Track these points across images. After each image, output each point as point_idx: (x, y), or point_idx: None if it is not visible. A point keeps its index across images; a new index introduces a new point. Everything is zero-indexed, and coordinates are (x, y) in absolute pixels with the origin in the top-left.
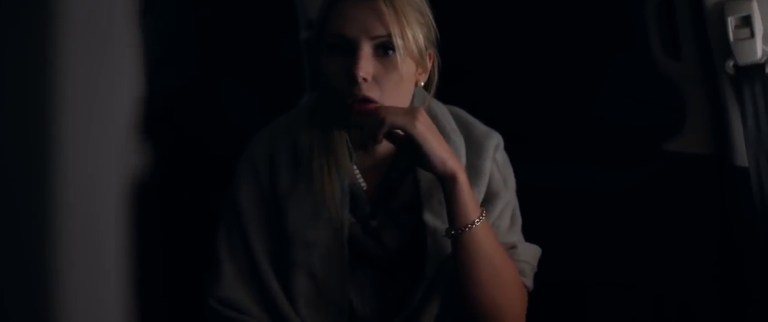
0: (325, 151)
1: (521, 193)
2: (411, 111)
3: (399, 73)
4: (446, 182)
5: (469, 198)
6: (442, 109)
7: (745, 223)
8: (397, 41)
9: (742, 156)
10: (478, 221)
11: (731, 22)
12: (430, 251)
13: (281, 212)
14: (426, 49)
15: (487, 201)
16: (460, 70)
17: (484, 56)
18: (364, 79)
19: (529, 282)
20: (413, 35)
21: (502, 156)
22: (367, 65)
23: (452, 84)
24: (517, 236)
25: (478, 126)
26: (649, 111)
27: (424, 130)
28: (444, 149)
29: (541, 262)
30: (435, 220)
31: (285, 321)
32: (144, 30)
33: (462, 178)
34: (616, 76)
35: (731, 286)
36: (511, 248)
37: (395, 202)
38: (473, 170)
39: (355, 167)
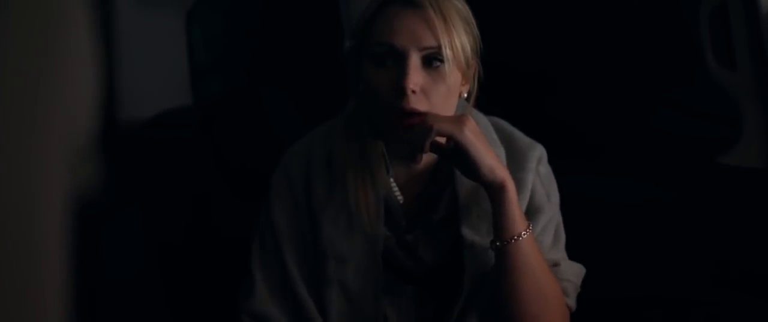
0: (360, 164)
1: (572, 206)
2: (459, 118)
3: (447, 85)
4: (494, 191)
5: (517, 209)
6: (483, 121)
7: None
8: (447, 52)
9: None
10: (525, 234)
11: None
12: (467, 266)
13: (315, 225)
14: (471, 59)
15: (530, 216)
16: (512, 82)
17: (539, 68)
18: (413, 92)
19: (572, 302)
20: (462, 46)
21: (545, 169)
22: (416, 77)
23: (503, 95)
24: (560, 254)
25: (521, 137)
26: (704, 123)
27: (473, 137)
28: (492, 157)
29: (592, 278)
30: (473, 235)
31: None
32: (190, 39)
33: (511, 187)
34: (670, 87)
35: None
36: (555, 265)
37: (433, 216)
38: (515, 182)
39: (391, 180)
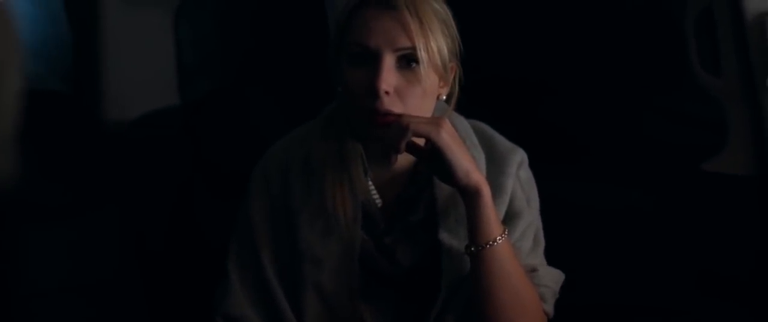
0: (338, 165)
1: (555, 212)
2: (435, 120)
3: (422, 87)
4: (469, 196)
5: (492, 214)
6: (464, 124)
7: None
8: (422, 54)
9: None
10: (500, 239)
11: None
12: (445, 270)
13: (292, 227)
14: (449, 62)
15: (509, 221)
16: (497, 87)
17: (525, 73)
18: (387, 93)
19: (550, 308)
20: (438, 48)
21: (526, 174)
22: (389, 78)
23: (489, 99)
24: (539, 259)
25: (502, 142)
26: (689, 129)
27: (449, 139)
28: (468, 161)
29: (574, 284)
30: (451, 238)
31: None
32: (177, 38)
33: (486, 192)
34: (655, 93)
35: None
36: (532, 271)
37: (411, 218)
38: (494, 186)
39: (369, 182)
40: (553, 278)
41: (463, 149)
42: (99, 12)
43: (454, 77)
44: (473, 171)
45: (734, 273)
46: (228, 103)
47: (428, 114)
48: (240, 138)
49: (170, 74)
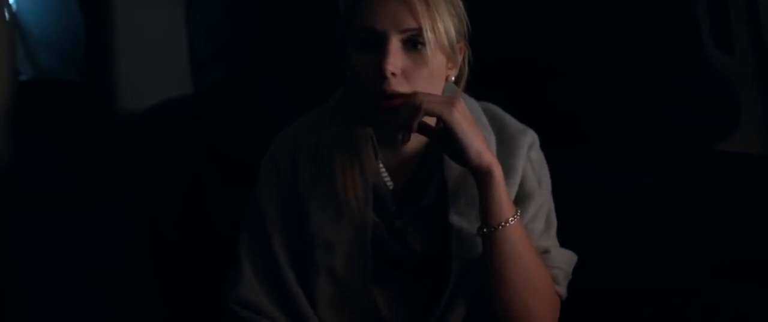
0: (349, 149)
1: (569, 195)
2: (448, 99)
3: (429, 69)
4: (481, 176)
5: (504, 195)
6: (474, 105)
7: None
8: (428, 35)
9: None
10: (512, 220)
11: None
12: (455, 253)
13: (303, 212)
14: (457, 43)
15: (520, 202)
16: (509, 69)
17: (538, 55)
18: (393, 74)
19: (562, 290)
20: (445, 28)
21: (537, 154)
22: (396, 60)
23: (501, 82)
24: (551, 241)
25: (513, 123)
26: (703, 110)
27: (462, 119)
28: (480, 141)
29: (589, 267)
30: (461, 221)
31: None
32: (189, 29)
33: (498, 172)
34: (669, 74)
35: None
36: (545, 252)
37: (421, 202)
38: (505, 168)
39: (380, 165)
40: (565, 259)
41: (475, 130)
42: (111, 3)
43: (464, 58)
44: (485, 151)
45: (749, 254)
46: (239, 93)
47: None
48: (251, 127)
49: (182, 65)
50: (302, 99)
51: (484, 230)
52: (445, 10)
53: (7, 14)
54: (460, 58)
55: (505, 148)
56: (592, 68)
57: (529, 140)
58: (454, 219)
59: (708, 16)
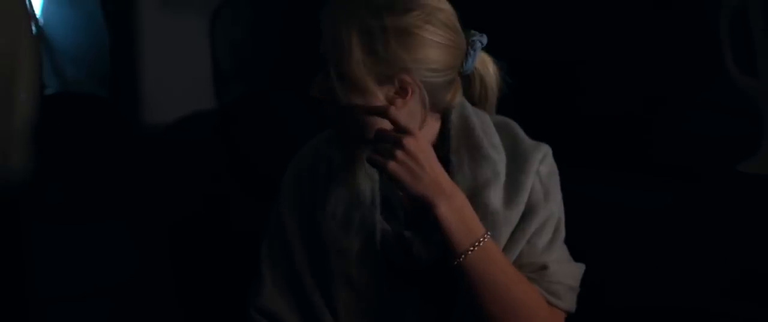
0: (358, 156)
1: (587, 210)
2: (394, 144)
3: (340, 101)
4: (427, 216)
5: (457, 227)
6: (486, 122)
7: None
8: (331, 68)
9: None
10: (473, 248)
11: None
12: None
13: (316, 221)
14: (386, 77)
15: (524, 216)
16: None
17: (562, 69)
18: (316, 98)
19: (565, 304)
20: (346, 62)
21: (547, 168)
22: (317, 84)
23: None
24: (555, 254)
25: (526, 140)
26: (725, 130)
27: (397, 168)
28: (422, 183)
29: (605, 282)
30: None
31: None
32: (213, 42)
33: (443, 209)
34: (691, 93)
35: None
36: (542, 268)
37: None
38: (514, 184)
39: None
40: (567, 273)
41: (418, 175)
42: (136, 18)
43: (411, 89)
44: (428, 192)
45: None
46: (262, 107)
47: (374, 129)
48: (273, 141)
49: (206, 78)
50: (323, 113)
51: (450, 264)
52: (354, 43)
53: (33, 28)
54: (409, 92)
55: (517, 165)
56: (617, 85)
57: (540, 156)
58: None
59: (730, 38)
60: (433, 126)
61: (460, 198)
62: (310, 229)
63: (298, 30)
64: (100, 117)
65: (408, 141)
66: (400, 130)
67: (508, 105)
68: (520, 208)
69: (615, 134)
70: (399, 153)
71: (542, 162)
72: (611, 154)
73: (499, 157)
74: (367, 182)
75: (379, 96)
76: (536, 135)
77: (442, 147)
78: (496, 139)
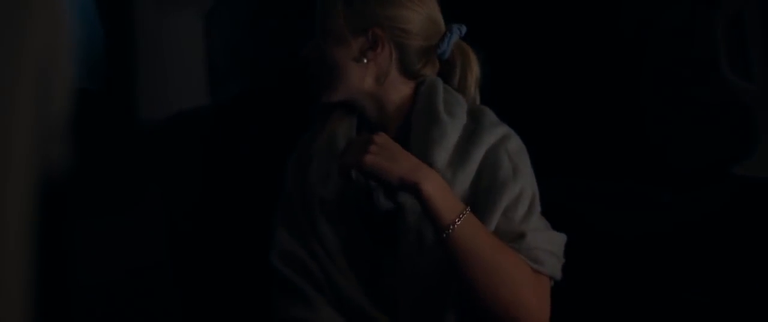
0: (343, 114)
1: (583, 213)
2: (360, 145)
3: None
4: (413, 195)
5: (442, 202)
6: (456, 99)
7: None
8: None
9: None
10: (458, 220)
11: None
12: (402, 229)
13: (305, 178)
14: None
15: (496, 193)
16: (518, 82)
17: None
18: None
19: (548, 269)
20: (326, 12)
21: (514, 145)
22: (309, 47)
23: (510, 97)
24: (532, 225)
25: (492, 118)
26: (720, 134)
27: (373, 160)
28: (401, 166)
29: (595, 281)
30: (408, 197)
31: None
32: (208, 41)
33: (427, 186)
34: (685, 97)
35: None
36: (520, 237)
37: None
38: (462, 152)
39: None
40: (546, 238)
41: (391, 156)
42: (132, 14)
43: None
44: (408, 173)
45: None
46: (258, 104)
47: (350, 81)
48: (269, 138)
49: (202, 75)
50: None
51: (437, 238)
52: None
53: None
54: (378, 46)
55: (470, 137)
56: (609, 91)
57: (500, 133)
58: (401, 194)
59: (726, 42)
60: (402, 90)
61: (438, 175)
62: (303, 184)
63: (294, 30)
64: (97, 113)
65: (376, 136)
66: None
67: (501, 113)
68: (468, 176)
69: (608, 138)
70: (371, 147)
71: (505, 141)
72: (605, 159)
73: (450, 122)
74: (344, 137)
75: (354, 47)
76: (529, 140)
77: (410, 112)
78: (458, 111)
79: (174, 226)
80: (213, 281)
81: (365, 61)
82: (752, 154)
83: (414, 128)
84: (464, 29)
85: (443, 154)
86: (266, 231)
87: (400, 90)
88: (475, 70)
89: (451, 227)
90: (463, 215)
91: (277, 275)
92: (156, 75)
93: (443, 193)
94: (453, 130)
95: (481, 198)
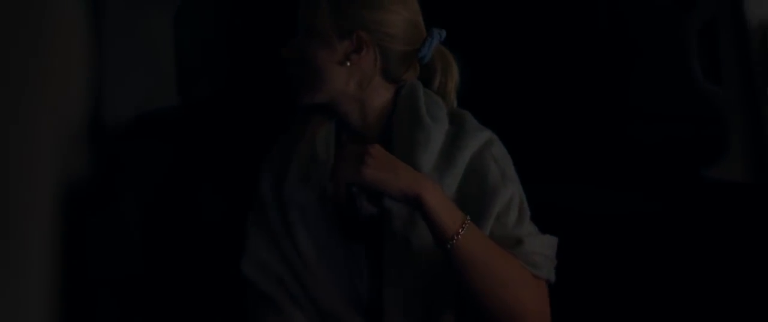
0: (319, 117)
1: (557, 216)
2: (357, 157)
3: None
4: (414, 207)
5: (444, 212)
6: (437, 103)
7: None
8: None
9: None
10: (462, 230)
11: None
12: (387, 235)
13: (283, 180)
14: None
15: (487, 198)
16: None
17: (516, 74)
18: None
19: (546, 274)
20: (310, 14)
21: (498, 150)
22: (287, 46)
23: (482, 103)
24: (525, 230)
25: (474, 122)
26: (691, 137)
27: (373, 173)
28: (401, 178)
29: (573, 286)
30: (394, 203)
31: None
32: (177, 40)
33: (428, 197)
34: (658, 101)
35: None
36: (518, 243)
37: None
38: (447, 155)
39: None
40: (543, 243)
41: (390, 168)
42: (99, 12)
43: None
44: (410, 184)
45: (733, 278)
46: (230, 104)
47: (332, 84)
48: (235, 140)
49: (169, 75)
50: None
51: (441, 249)
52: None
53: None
54: (364, 49)
55: (454, 141)
56: (583, 93)
57: (483, 137)
58: (387, 200)
59: (698, 46)
60: (384, 94)
61: (438, 185)
62: (279, 189)
63: (263, 27)
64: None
65: (371, 147)
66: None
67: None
68: (454, 181)
69: (582, 143)
70: (368, 159)
71: (491, 145)
72: (580, 166)
73: (434, 126)
74: (323, 140)
75: (339, 49)
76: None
77: (391, 116)
78: (441, 114)
79: (144, 229)
80: (183, 290)
81: (349, 64)
82: (723, 158)
83: (397, 133)
84: (444, 34)
85: (429, 158)
86: (237, 237)
87: (381, 94)
88: (454, 75)
89: (455, 237)
90: (466, 224)
91: (249, 283)
92: (124, 75)
93: (445, 203)
94: (437, 134)
95: (471, 205)
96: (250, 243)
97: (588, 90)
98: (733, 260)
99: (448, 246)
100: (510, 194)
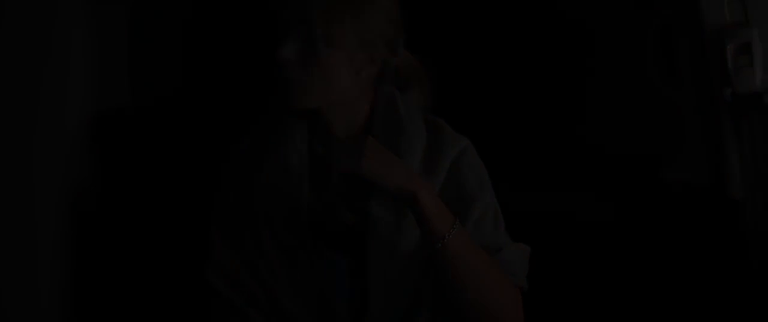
0: (292, 123)
1: (518, 221)
2: (357, 150)
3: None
4: (406, 204)
5: (437, 212)
6: (413, 110)
7: (739, 257)
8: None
9: (739, 187)
10: (452, 231)
11: (731, 49)
12: (370, 240)
13: (252, 192)
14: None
15: (466, 205)
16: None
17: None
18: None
19: (520, 281)
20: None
21: (474, 159)
22: (285, 48)
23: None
24: (502, 238)
25: (450, 130)
26: (648, 140)
27: (372, 166)
28: (398, 174)
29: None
30: (380, 209)
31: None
32: (135, 40)
33: (423, 195)
34: (615, 104)
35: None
36: (498, 250)
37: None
38: (429, 163)
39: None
40: (519, 252)
41: (390, 166)
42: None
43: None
44: (407, 181)
45: (689, 278)
46: (187, 105)
47: (336, 91)
48: (186, 142)
49: (123, 76)
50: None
51: (429, 249)
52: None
53: None
54: (375, 63)
55: (435, 148)
56: (540, 94)
57: (461, 144)
58: (375, 208)
59: (655, 49)
60: (370, 102)
61: (431, 185)
62: (247, 197)
63: (221, 24)
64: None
65: (368, 139)
66: None
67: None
68: (435, 188)
69: (539, 151)
70: (367, 151)
71: (467, 152)
72: (536, 171)
73: (415, 133)
74: (296, 152)
75: (354, 59)
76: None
77: (370, 123)
78: (419, 122)
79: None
80: (143, 297)
81: (360, 74)
82: (679, 159)
83: (379, 139)
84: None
85: (412, 164)
86: (198, 244)
87: (368, 102)
88: (427, 84)
89: (446, 237)
90: (456, 225)
91: (213, 291)
92: (77, 73)
93: (437, 203)
94: (418, 140)
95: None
96: (215, 250)
97: (544, 92)
98: (690, 260)
99: (438, 245)
100: (486, 201)
